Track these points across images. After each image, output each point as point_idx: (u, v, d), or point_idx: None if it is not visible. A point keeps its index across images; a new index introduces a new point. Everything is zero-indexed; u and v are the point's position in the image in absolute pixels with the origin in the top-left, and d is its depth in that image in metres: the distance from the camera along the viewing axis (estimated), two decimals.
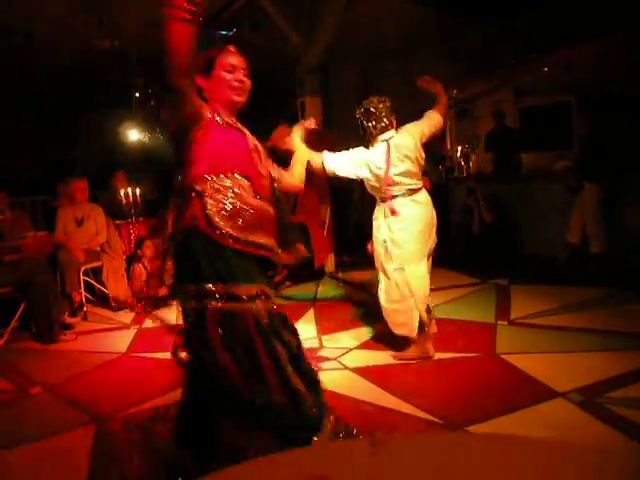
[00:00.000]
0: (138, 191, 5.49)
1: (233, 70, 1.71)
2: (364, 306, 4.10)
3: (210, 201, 1.57)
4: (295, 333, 1.75)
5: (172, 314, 3.75)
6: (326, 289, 4.92)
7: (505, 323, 3.52)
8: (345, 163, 2.97)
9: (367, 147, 3.03)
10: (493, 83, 6.71)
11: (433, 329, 3.12)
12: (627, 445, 1.97)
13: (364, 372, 2.90)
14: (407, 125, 3.04)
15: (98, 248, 4.74)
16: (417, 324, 2.95)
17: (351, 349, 3.28)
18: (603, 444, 1.98)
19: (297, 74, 5.64)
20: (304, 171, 2.16)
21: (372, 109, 2.95)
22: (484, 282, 4.67)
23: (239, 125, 1.77)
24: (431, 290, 3.13)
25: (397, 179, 2.92)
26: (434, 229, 3.10)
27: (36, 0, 4.58)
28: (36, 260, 3.91)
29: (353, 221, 6.87)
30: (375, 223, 3.10)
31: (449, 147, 7.08)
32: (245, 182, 1.66)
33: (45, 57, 5.80)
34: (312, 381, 1.74)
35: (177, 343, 1.68)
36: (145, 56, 5.90)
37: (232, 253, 1.59)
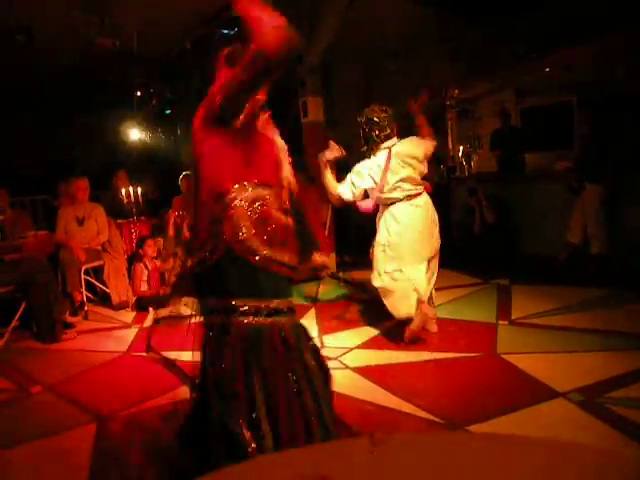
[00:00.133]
0: (139, 190, 5.50)
1: None
2: (365, 306, 4.11)
3: (239, 217, 1.52)
4: (317, 352, 1.75)
5: (173, 313, 3.74)
6: (327, 289, 4.92)
7: (506, 323, 3.52)
8: (356, 187, 3.14)
9: (368, 157, 3.15)
10: (495, 83, 6.71)
11: (431, 312, 3.28)
12: (627, 445, 1.97)
13: (365, 372, 2.90)
14: (413, 137, 3.18)
15: (99, 247, 4.74)
16: (415, 302, 3.05)
17: (352, 349, 3.29)
18: (603, 444, 1.98)
19: (298, 74, 5.64)
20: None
21: (375, 119, 3.06)
22: (485, 282, 4.67)
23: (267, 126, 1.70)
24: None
25: (397, 184, 3.03)
26: (436, 229, 3.16)
27: (36, 0, 4.59)
28: (37, 259, 3.91)
29: (355, 222, 6.87)
30: (378, 225, 3.23)
31: (451, 147, 7.08)
32: (268, 193, 1.61)
33: (45, 57, 5.79)
34: (327, 401, 1.68)
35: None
36: (145, 56, 5.93)
37: (258, 268, 1.56)
